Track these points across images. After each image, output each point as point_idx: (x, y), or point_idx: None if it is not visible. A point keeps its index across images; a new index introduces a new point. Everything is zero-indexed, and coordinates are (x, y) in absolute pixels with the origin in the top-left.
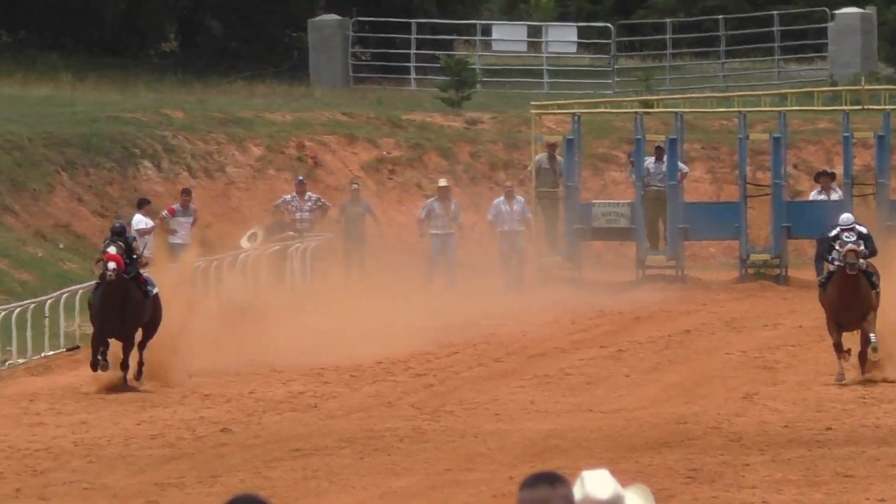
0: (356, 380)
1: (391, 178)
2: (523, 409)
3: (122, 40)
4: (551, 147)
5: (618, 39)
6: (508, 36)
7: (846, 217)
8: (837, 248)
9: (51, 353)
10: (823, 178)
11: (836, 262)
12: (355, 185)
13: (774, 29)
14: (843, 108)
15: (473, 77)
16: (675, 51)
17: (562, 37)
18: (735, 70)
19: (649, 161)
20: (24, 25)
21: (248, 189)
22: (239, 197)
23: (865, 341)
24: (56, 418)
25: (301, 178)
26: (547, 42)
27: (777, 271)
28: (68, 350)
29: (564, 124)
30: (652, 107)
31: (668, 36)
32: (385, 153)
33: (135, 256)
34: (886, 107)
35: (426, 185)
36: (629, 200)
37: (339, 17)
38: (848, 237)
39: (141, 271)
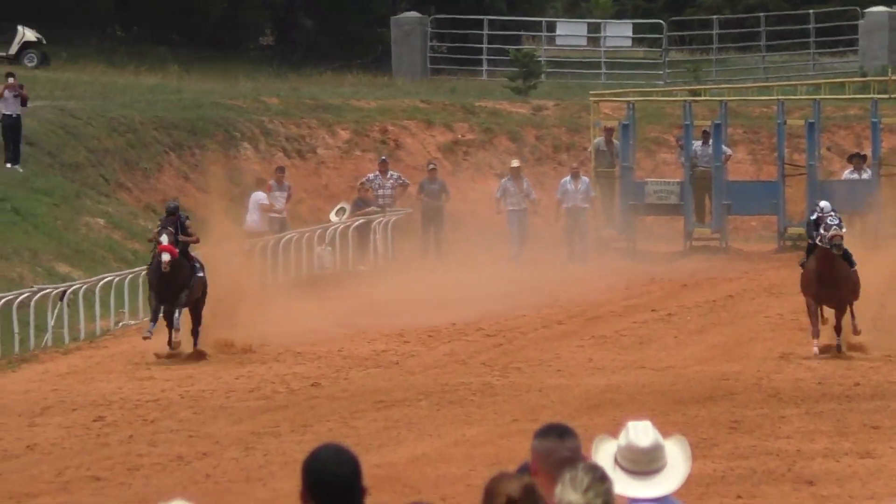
0: (433, 340)
1: (465, 158)
2: (582, 366)
3: (223, 35)
4: (608, 131)
5: (669, 34)
6: (570, 32)
7: (826, 204)
8: (822, 231)
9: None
10: (856, 160)
11: (820, 243)
12: (432, 165)
13: (810, 26)
14: (872, 96)
15: (539, 68)
16: (721, 45)
17: (618, 32)
18: (774, 62)
19: (697, 144)
20: (137, 22)
21: (336, 168)
22: (328, 175)
23: (841, 317)
24: (164, 373)
25: (384, 158)
26: (605, 37)
27: None
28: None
29: (620, 111)
30: (699, 95)
31: (714, 31)
32: (459, 136)
33: (189, 233)
34: None
35: (496, 165)
36: (678, 179)
37: (419, 15)
38: (832, 221)
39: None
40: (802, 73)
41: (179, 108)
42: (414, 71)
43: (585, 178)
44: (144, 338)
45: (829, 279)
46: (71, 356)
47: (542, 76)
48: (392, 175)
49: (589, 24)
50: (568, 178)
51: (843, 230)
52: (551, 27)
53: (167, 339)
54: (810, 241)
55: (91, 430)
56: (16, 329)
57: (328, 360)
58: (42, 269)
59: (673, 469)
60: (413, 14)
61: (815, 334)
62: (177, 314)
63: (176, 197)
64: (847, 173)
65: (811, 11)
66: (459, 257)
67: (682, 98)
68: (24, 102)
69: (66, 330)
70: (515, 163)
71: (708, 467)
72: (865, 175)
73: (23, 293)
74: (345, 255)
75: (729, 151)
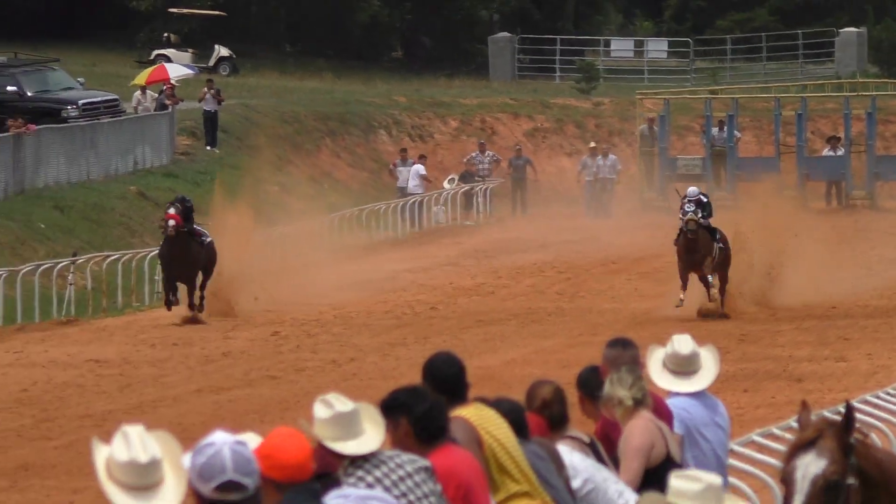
0: (519, 275)
1: (542, 141)
2: (630, 294)
3: (365, 50)
4: (650, 121)
5: (695, 49)
6: (621, 47)
7: (692, 190)
8: (680, 216)
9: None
10: (832, 141)
11: (682, 227)
12: (518, 146)
13: (799, 42)
14: (845, 94)
15: (597, 74)
16: (733, 56)
17: (657, 47)
18: (773, 69)
19: (715, 130)
20: (302, 41)
21: (447, 149)
22: (441, 154)
23: (705, 283)
24: (321, 299)
25: (482, 141)
26: (647, 51)
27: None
28: None
29: (658, 106)
30: (717, 94)
31: (728, 46)
32: (538, 125)
33: (192, 214)
34: (873, 93)
35: (566, 146)
36: (701, 156)
37: (510, 35)
38: (688, 207)
39: (196, 226)
40: (793, 77)
41: (332, 104)
42: (505, 76)
43: (613, 156)
44: (175, 304)
45: (693, 253)
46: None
47: (600, 80)
48: (489, 154)
49: (635, 40)
50: (587, 155)
51: (699, 215)
52: (607, 43)
53: (188, 305)
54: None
55: (269, 342)
56: None
57: (442, 290)
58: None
59: (706, 371)
60: (505, 34)
61: (683, 287)
62: (193, 298)
63: (186, 195)
64: (826, 151)
65: (800, 31)
66: (539, 215)
67: (704, 96)
68: (219, 101)
69: None
70: (593, 144)
71: (722, 369)
72: (840, 152)
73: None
74: (454, 213)
75: (739, 135)
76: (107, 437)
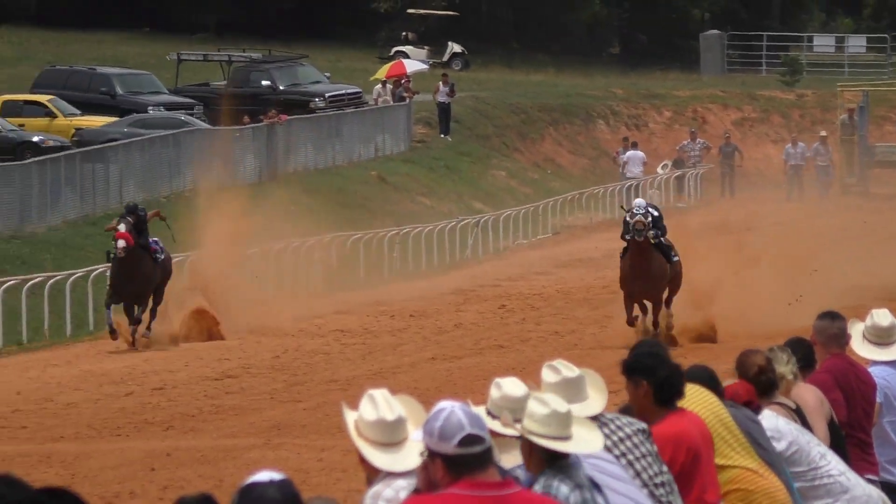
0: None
1: (750, 130)
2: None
3: (585, 47)
4: (850, 111)
5: (892, 44)
6: (823, 42)
7: (639, 202)
8: (627, 218)
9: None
10: None
11: (627, 236)
12: (727, 135)
13: None
14: None
15: (801, 68)
16: None
17: (856, 43)
18: None
19: None
20: (528, 38)
21: (662, 137)
22: (656, 142)
23: (657, 312)
24: (541, 277)
25: (693, 130)
26: (847, 46)
27: None
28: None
29: (858, 97)
30: None
31: None
32: (746, 115)
33: (146, 226)
34: None
35: (772, 134)
36: None
37: (719, 32)
38: (637, 210)
39: (152, 240)
40: None
41: (555, 97)
42: (715, 70)
43: (802, 144)
44: (111, 332)
45: (643, 272)
46: (483, 265)
47: (804, 73)
48: (699, 141)
49: (836, 37)
50: (789, 144)
51: (648, 219)
52: (810, 39)
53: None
54: (625, 240)
55: (496, 314)
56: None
57: None
58: (463, 205)
59: None
60: (715, 31)
61: (631, 322)
62: (136, 311)
63: (135, 202)
64: None
65: None
66: (746, 198)
67: None
68: (452, 94)
69: (479, 247)
70: (823, 133)
71: None
72: None
73: (448, 223)
74: (668, 195)
75: None
76: (351, 401)
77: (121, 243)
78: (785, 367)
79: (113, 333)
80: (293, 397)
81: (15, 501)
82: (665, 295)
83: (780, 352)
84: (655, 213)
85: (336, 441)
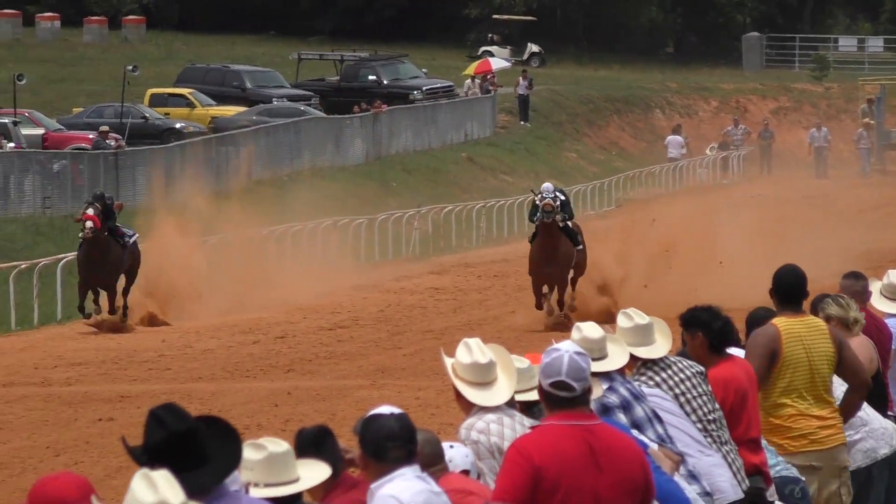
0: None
1: (784, 118)
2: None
3: (645, 46)
4: (870, 101)
5: None
6: (847, 44)
7: (547, 186)
8: (537, 202)
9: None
10: None
11: (536, 218)
12: (766, 122)
13: None
14: None
15: (828, 65)
16: None
17: (875, 44)
18: None
19: None
20: (595, 38)
21: (709, 124)
22: (704, 128)
23: (562, 293)
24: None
25: (736, 117)
26: (868, 46)
27: None
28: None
29: (876, 89)
30: None
31: None
32: (781, 105)
33: (115, 213)
34: None
35: (803, 121)
36: None
37: (758, 34)
38: (546, 195)
39: (120, 226)
40: None
41: (618, 89)
42: (755, 66)
43: (825, 129)
44: (91, 315)
45: (551, 255)
46: None
47: (830, 69)
48: (741, 127)
49: (858, 38)
50: (813, 129)
51: (557, 202)
52: (836, 40)
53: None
54: (534, 223)
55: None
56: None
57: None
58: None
59: None
60: (755, 33)
61: (539, 306)
62: (108, 300)
63: (106, 192)
64: None
65: None
66: (781, 176)
67: None
68: (531, 87)
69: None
70: (870, 120)
71: None
72: None
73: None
74: (714, 174)
75: None
76: (446, 348)
77: (88, 224)
78: (855, 312)
79: (84, 314)
80: (395, 345)
81: (180, 425)
82: (571, 275)
83: (850, 300)
84: (563, 198)
85: (431, 382)
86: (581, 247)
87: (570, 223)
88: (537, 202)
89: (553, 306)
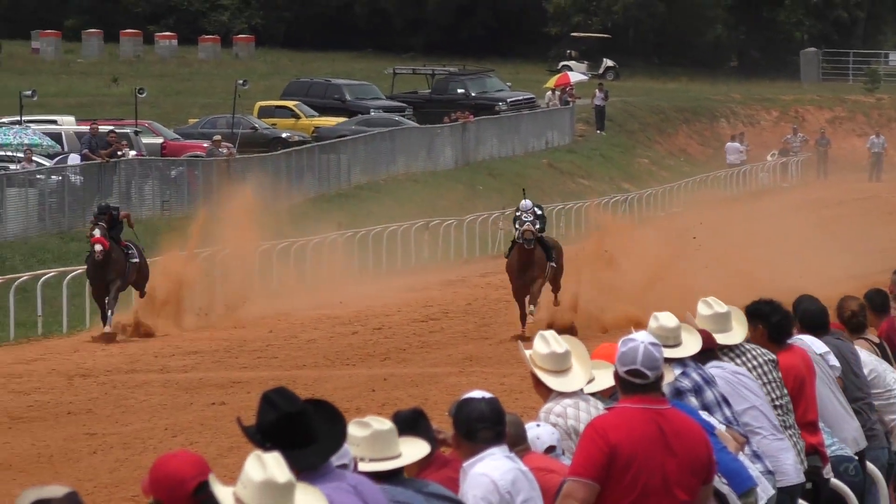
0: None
1: (839, 126)
2: None
3: (710, 62)
4: None
5: None
6: None
7: (525, 203)
8: (517, 226)
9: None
10: None
11: (516, 238)
12: (822, 130)
13: None
14: None
15: (880, 78)
16: None
17: None
18: None
19: None
20: (663, 53)
21: (770, 132)
22: (766, 136)
23: (534, 300)
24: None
25: (795, 126)
26: None
27: None
28: None
29: None
30: None
31: None
32: (836, 114)
33: (122, 223)
34: None
35: (857, 130)
36: None
37: (815, 49)
38: (526, 218)
39: (127, 241)
40: None
41: (687, 100)
42: (812, 79)
43: (883, 136)
44: (108, 325)
45: (526, 270)
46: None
47: (882, 82)
48: (800, 135)
49: None
50: (874, 136)
51: (537, 226)
52: (886, 56)
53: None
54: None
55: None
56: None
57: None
58: (615, 185)
59: None
60: (812, 49)
61: (523, 318)
62: (109, 314)
63: (108, 202)
64: None
65: None
66: (837, 179)
67: None
68: (606, 98)
69: (629, 217)
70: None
71: None
72: None
73: (587, 201)
74: (775, 178)
75: None
76: (526, 341)
77: (97, 247)
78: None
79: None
80: (482, 335)
81: (291, 407)
82: (548, 287)
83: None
84: (539, 212)
85: (514, 370)
86: (555, 265)
87: (544, 236)
88: (517, 226)
89: (530, 311)
